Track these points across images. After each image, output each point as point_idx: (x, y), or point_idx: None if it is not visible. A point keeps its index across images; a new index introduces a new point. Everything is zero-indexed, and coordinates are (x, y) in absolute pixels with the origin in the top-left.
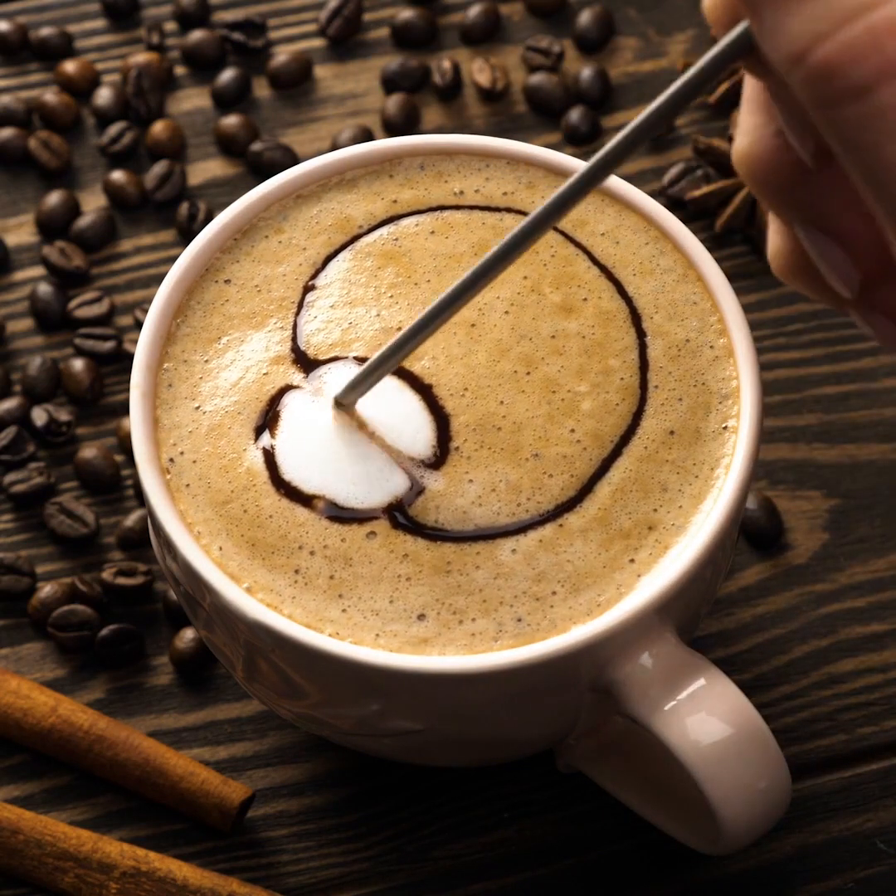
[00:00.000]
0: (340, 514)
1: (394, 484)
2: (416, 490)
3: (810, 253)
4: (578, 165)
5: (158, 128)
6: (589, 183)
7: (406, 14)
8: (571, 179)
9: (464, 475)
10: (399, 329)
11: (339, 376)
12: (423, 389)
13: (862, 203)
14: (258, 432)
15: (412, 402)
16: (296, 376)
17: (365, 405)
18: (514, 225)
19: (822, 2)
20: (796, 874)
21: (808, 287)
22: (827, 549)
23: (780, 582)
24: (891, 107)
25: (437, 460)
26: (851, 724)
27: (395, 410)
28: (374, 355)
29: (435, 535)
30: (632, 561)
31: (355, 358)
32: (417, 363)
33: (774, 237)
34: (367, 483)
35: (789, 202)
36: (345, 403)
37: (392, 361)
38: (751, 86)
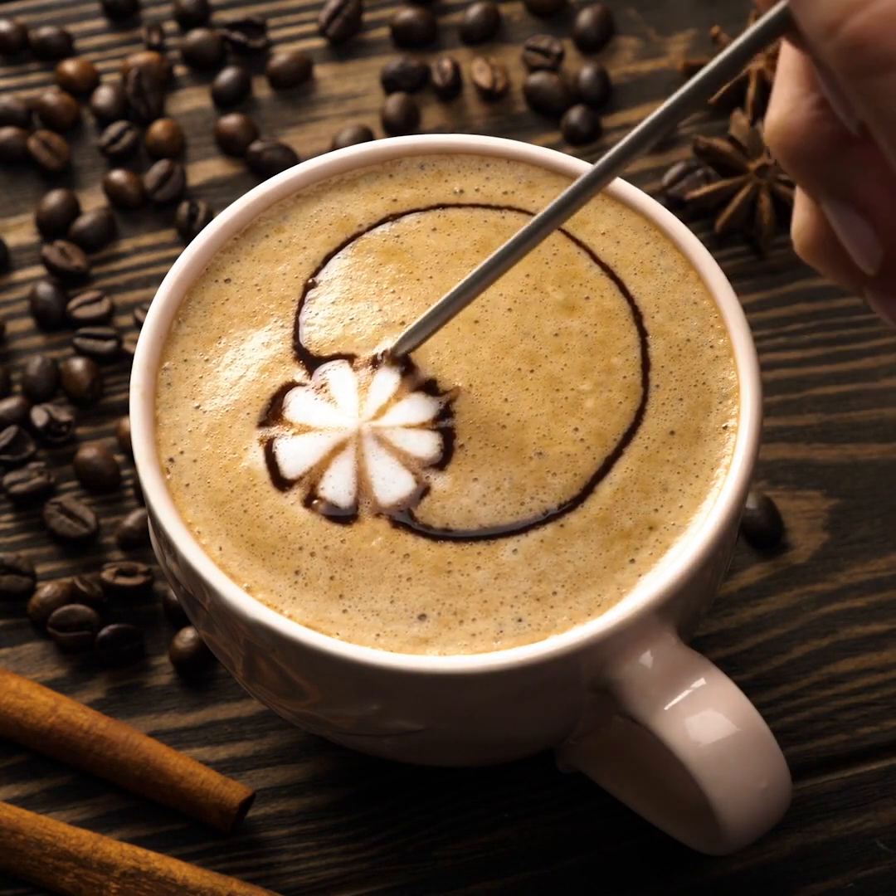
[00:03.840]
0: (341, 515)
1: (398, 484)
2: (421, 490)
3: (836, 227)
4: (578, 165)
5: (158, 128)
6: (621, 161)
7: (406, 14)
8: (602, 160)
9: (469, 473)
10: (402, 324)
11: (340, 373)
12: (428, 385)
13: (892, 178)
14: (259, 431)
15: (416, 399)
16: (298, 374)
17: (367, 405)
18: (516, 223)
19: None
20: (796, 874)
21: (829, 265)
22: (827, 549)
23: (780, 582)
24: None
25: (443, 459)
26: (851, 724)
27: (399, 407)
28: (428, 309)
29: (437, 535)
30: (632, 561)
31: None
32: (423, 359)
33: (800, 212)
34: (369, 483)
35: (820, 175)
36: (398, 355)
37: (443, 316)
38: (789, 57)
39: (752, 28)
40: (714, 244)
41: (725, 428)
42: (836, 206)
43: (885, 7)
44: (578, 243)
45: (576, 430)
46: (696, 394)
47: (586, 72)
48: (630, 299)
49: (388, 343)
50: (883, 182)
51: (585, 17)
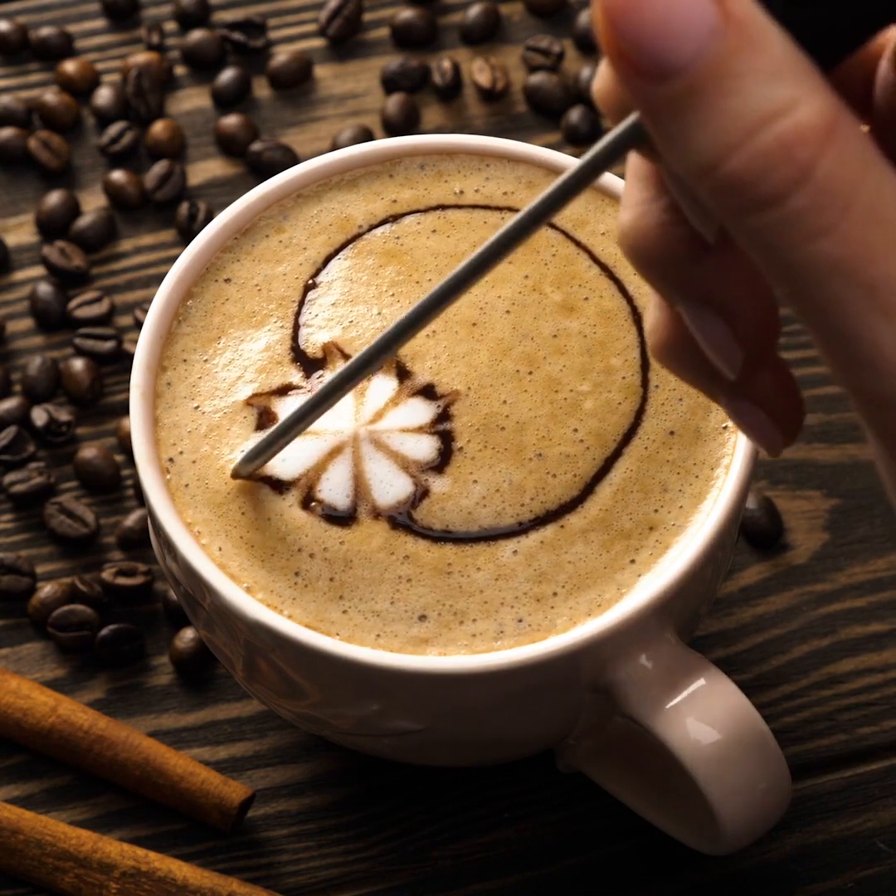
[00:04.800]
0: (340, 517)
1: (397, 487)
2: (421, 492)
3: (693, 330)
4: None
5: (158, 128)
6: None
7: (406, 14)
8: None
9: (468, 476)
10: None
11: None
12: (426, 389)
13: (751, 280)
14: (257, 433)
15: (414, 403)
16: (296, 375)
17: (367, 406)
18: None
19: (729, 113)
20: (796, 874)
21: (685, 368)
22: (827, 549)
23: (780, 582)
24: (804, 210)
25: (442, 462)
26: (851, 724)
27: (397, 412)
28: (283, 421)
29: (437, 536)
30: (632, 561)
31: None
32: (421, 363)
33: (653, 312)
34: (367, 486)
35: (675, 278)
36: (242, 474)
37: (286, 438)
38: (637, 162)
39: (599, 144)
40: None
41: (725, 428)
42: (693, 309)
43: (760, 146)
44: (577, 244)
45: (575, 430)
46: (695, 394)
47: (586, 72)
48: (629, 299)
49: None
50: (742, 285)
51: (585, 17)
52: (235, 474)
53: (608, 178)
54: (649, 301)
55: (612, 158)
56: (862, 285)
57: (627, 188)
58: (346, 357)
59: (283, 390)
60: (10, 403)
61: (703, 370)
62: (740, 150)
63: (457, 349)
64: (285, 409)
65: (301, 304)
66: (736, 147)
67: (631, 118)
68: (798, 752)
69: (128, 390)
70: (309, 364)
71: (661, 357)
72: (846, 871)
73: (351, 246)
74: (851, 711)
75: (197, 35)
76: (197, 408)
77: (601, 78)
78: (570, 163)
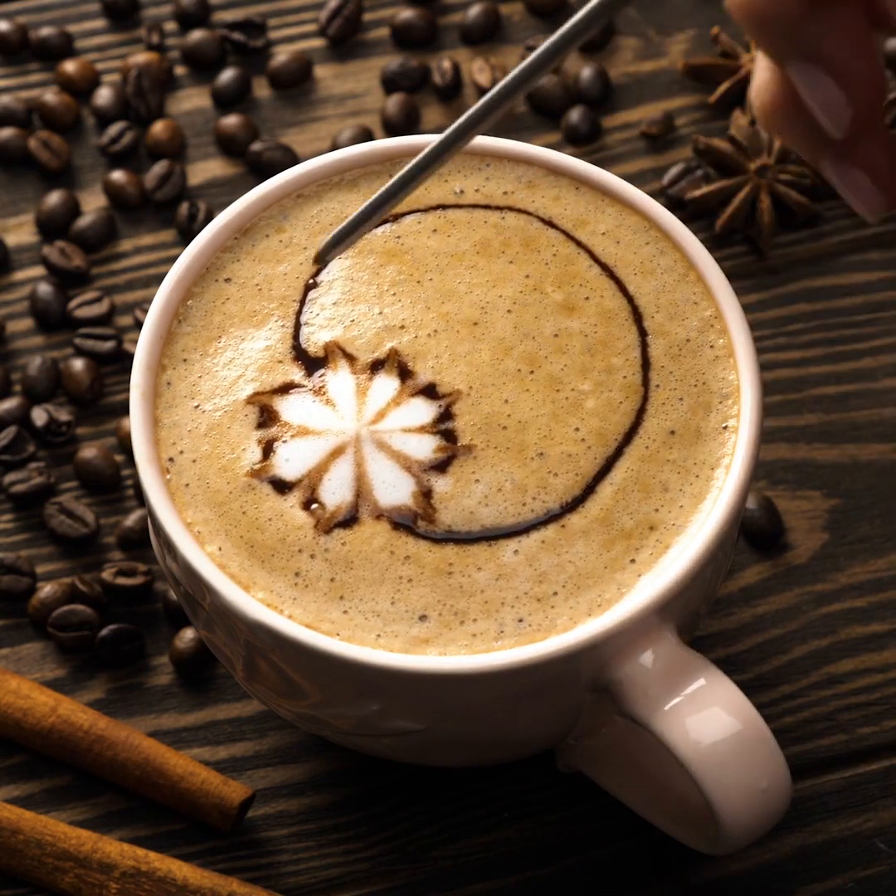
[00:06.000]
0: (341, 517)
1: (399, 487)
2: (423, 492)
3: (802, 90)
4: (578, 165)
5: (158, 128)
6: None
7: (406, 14)
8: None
9: (471, 475)
10: (402, 327)
11: (340, 376)
12: (428, 389)
13: (859, 36)
14: (257, 432)
15: (416, 403)
16: (296, 374)
17: (367, 406)
18: (516, 223)
19: None
20: (796, 874)
21: (790, 130)
22: (827, 549)
23: (780, 582)
24: None
25: (444, 461)
26: (851, 724)
27: (399, 411)
28: (353, 214)
29: (438, 536)
30: (632, 561)
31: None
32: (423, 363)
33: (760, 74)
34: (369, 486)
35: (787, 36)
36: (327, 260)
37: (374, 219)
38: None
39: None
40: (714, 244)
41: (725, 428)
42: (803, 67)
43: None
44: (578, 243)
45: (576, 430)
46: (696, 394)
47: (586, 72)
48: (630, 299)
49: (388, 345)
50: (851, 40)
51: None
52: (319, 258)
53: (608, 178)
54: (757, 64)
55: None
56: None
57: None
58: (348, 356)
59: (285, 388)
60: (10, 403)
61: (809, 132)
62: None
63: (458, 349)
64: (286, 407)
65: (302, 303)
66: None
67: None
68: (798, 752)
69: (128, 390)
70: (310, 363)
71: (767, 119)
72: (846, 871)
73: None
74: (851, 711)
75: (197, 35)
76: (197, 407)
77: None
78: (570, 163)
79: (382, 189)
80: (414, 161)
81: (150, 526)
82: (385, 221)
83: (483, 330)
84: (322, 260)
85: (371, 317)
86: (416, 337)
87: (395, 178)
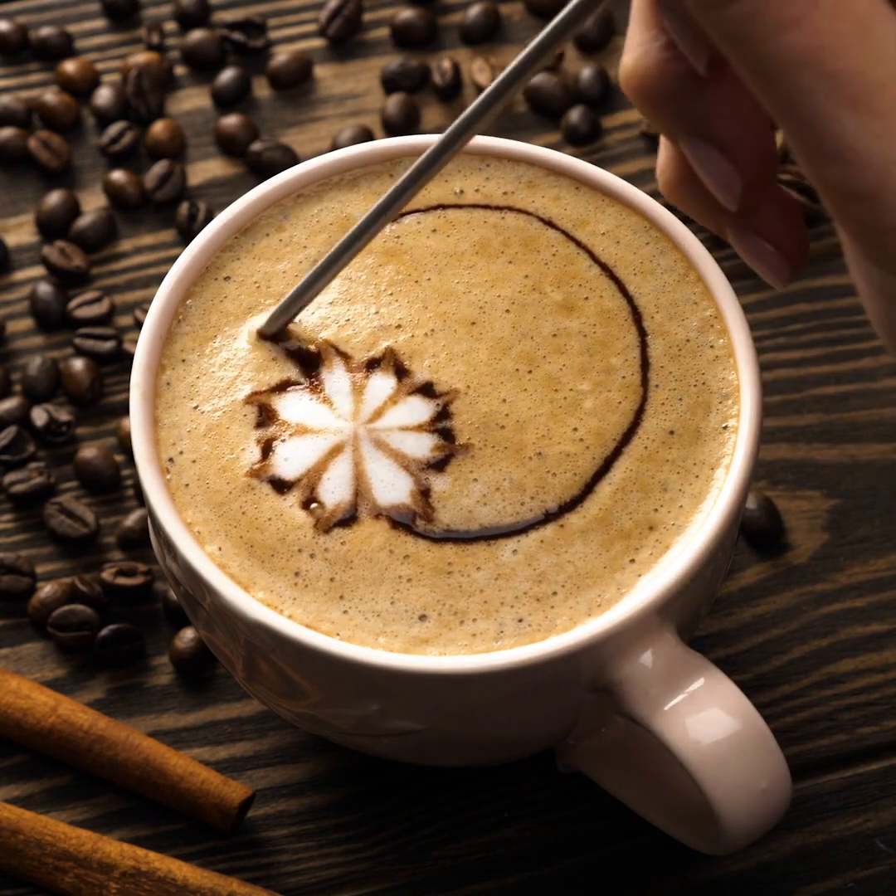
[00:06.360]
0: (340, 517)
1: (397, 486)
2: (421, 490)
3: (694, 164)
4: (578, 165)
5: (158, 128)
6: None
7: (406, 14)
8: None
9: (469, 474)
10: (398, 327)
11: (336, 375)
12: (425, 388)
13: (746, 113)
14: (256, 432)
15: (414, 401)
16: (293, 371)
17: (366, 405)
18: (516, 223)
19: None
20: (796, 874)
21: (692, 203)
22: (827, 549)
23: (780, 582)
24: (763, 4)
25: (442, 461)
26: (851, 724)
27: (396, 410)
28: (294, 287)
29: (437, 536)
30: (632, 561)
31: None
32: (419, 361)
33: (662, 152)
34: (368, 485)
35: (675, 114)
36: (267, 335)
37: (313, 291)
38: (638, 4)
39: None
40: (714, 244)
41: (725, 428)
42: (692, 143)
43: None
44: (578, 243)
45: (575, 430)
46: (695, 394)
47: (586, 72)
48: (629, 299)
49: (383, 345)
50: (737, 117)
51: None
52: (262, 334)
53: (608, 178)
54: (660, 143)
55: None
56: (828, 76)
57: (630, 32)
58: (343, 355)
59: (282, 387)
60: (10, 403)
61: (708, 204)
62: None
63: (456, 348)
64: (284, 406)
65: None
66: None
67: None
68: (798, 752)
69: (128, 390)
70: (306, 361)
71: (670, 193)
72: (846, 871)
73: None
74: (851, 711)
75: (197, 35)
76: (196, 407)
77: None
78: (570, 163)
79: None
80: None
81: (150, 526)
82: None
83: (481, 329)
84: (269, 331)
85: (367, 316)
86: (412, 336)
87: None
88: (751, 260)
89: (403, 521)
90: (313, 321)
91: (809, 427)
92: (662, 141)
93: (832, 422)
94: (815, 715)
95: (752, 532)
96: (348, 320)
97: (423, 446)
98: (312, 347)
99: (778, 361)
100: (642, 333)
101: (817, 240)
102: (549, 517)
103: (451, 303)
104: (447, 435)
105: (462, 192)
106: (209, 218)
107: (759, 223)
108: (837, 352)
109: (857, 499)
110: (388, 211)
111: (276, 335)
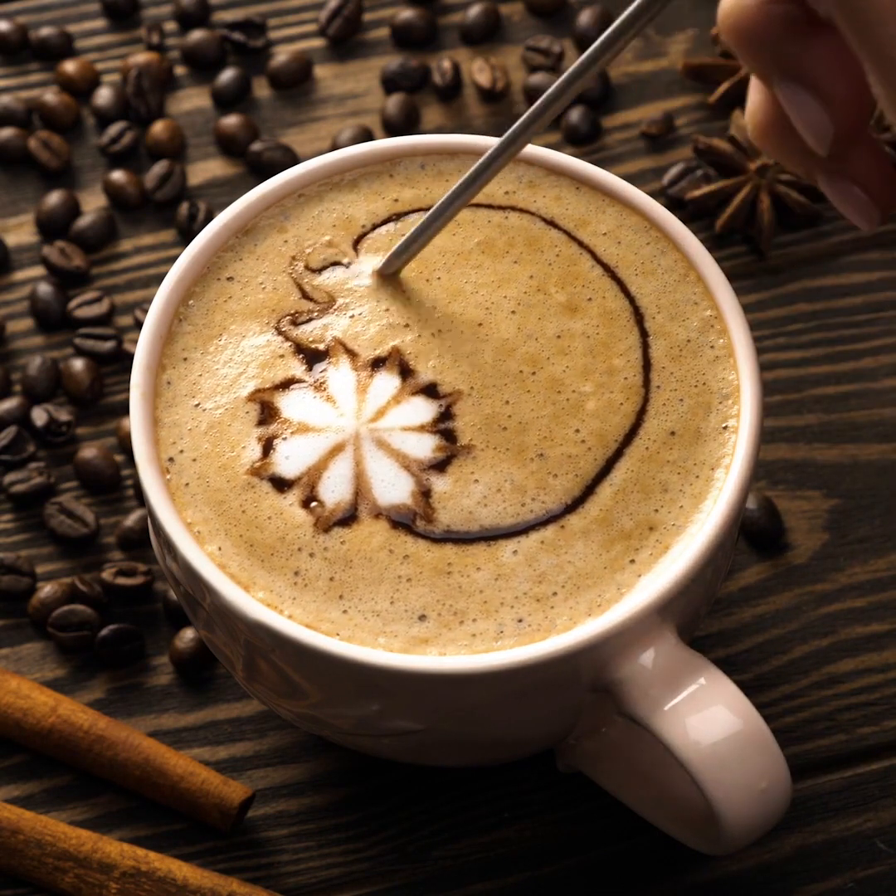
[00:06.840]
0: (340, 516)
1: (398, 486)
2: (422, 491)
3: (787, 108)
4: (578, 165)
5: (158, 128)
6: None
7: (406, 14)
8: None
9: (470, 475)
10: (406, 326)
11: (341, 372)
12: (429, 388)
13: (842, 58)
14: (257, 430)
15: (417, 402)
16: (299, 368)
17: (367, 405)
18: (519, 223)
19: None
20: (796, 874)
21: (781, 148)
22: (827, 549)
23: (780, 582)
24: None
25: (443, 461)
26: (851, 724)
27: (399, 410)
28: (412, 229)
29: (437, 536)
30: (632, 561)
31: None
32: (424, 362)
33: (753, 95)
34: (368, 484)
35: (772, 57)
36: (386, 274)
37: (428, 233)
38: None
39: None
40: (714, 244)
41: (725, 428)
42: (787, 87)
43: None
44: (580, 244)
45: (577, 431)
46: (696, 394)
47: None
48: (631, 300)
49: (390, 344)
50: (833, 63)
51: (585, 17)
52: (380, 274)
53: (609, 179)
54: (750, 85)
55: None
56: None
57: None
58: (350, 352)
59: (285, 384)
60: (10, 403)
61: (798, 149)
62: None
63: (461, 349)
64: (287, 403)
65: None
66: None
67: None
68: (798, 752)
69: (128, 390)
70: (312, 357)
71: (760, 138)
72: (846, 871)
73: (357, 245)
74: (851, 711)
75: (197, 35)
76: (197, 405)
77: None
78: (570, 162)
79: (442, 199)
80: (473, 168)
81: (150, 526)
82: (390, 220)
83: (487, 331)
84: (387, 272)
85: (378, 313)
86: (419, 336)
87: (458, 183)
88: (840, 204)
89: (403, 521)
90: (322, 318)
91: (809, 427)
92: (753, 83)
93: (832, 422)
94: (815, 715)
95: (752, 532)
96: (359, 315)
97: (424, 447)
98: (322, 346)
99: (778, 361)
100: (644, 334)
101: (817, 240)
102: (549, 518)
103: (460, 303)
104: (449, 436)
105: None
106: (209, 218)
107: (850, 168)
108: (837, 352)
109: (857, 499)
110: (504, 153)
111: (393, 275)
